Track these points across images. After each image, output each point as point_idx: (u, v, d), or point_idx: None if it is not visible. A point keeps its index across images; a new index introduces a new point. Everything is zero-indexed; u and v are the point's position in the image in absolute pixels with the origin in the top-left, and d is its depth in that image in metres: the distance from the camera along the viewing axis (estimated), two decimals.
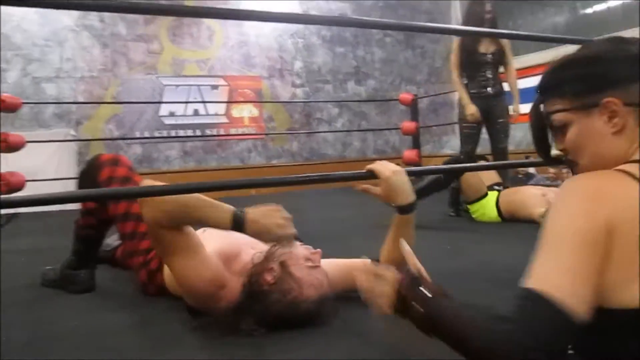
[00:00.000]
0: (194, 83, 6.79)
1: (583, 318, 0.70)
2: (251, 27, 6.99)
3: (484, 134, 3.63)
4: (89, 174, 1.77)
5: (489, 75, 3.52)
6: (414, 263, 0.97)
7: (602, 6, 5.90)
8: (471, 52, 3.47)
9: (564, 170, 6.44)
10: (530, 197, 2.94)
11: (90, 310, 1.58)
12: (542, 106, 0.94)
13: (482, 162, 3.49)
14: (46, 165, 5.16)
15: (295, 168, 6.66)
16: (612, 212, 0.73)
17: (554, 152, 0.99)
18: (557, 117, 0.89)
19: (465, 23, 3.75)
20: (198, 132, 6.76)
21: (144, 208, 1.36)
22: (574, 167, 0.90)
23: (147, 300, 1.65)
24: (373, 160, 1.51)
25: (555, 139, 0.94)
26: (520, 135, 8.78)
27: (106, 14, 6.21)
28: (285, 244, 1.37)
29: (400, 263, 1.00)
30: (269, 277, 1.35)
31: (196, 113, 6.80)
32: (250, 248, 1.49)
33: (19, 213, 4.18)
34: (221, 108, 6.93)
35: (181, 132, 6.72)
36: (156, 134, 6.55)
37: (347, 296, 1.41)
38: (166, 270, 1.62)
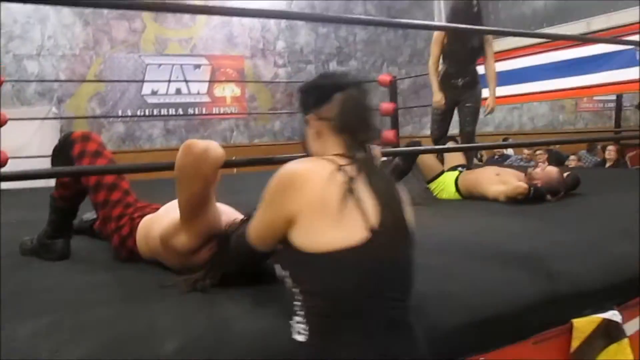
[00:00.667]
0: (177, 62, 6.83)
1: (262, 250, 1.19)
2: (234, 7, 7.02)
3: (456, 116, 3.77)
4: (62, 150, 1.87)
5: (465, 66, 3.60)
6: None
7: None
8: (451, 43, 3.56)
9: (537, 152, 6.64)
10: (484, 177, 3.10)
11: (64, 273, 1.70)
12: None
13: (451, 143, 3.64)
14: (29, 143, 5.23)
15: (277, 147, 6.76)
16: (302, 185, 1.06)
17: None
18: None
19: (450, 18, 3.72)
20: (180, 111, 6.83)
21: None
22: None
23: (120, 264, 1.77)
24: None
25: None
26: (500, 117, 8.97)
27: None
28: None
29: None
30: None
31: (178, 92, 6.85)
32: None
33: None
34: (203, 87, 6.99)
35: (164, 111, 6.78)
36: (139, 113, 6.61)
37: None
38: (138, 234, 1.75)
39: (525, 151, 7.17)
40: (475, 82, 3.66)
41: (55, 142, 1.98)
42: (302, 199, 1.05)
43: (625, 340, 1.57)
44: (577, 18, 5.57)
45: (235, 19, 7.10)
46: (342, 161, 1.10)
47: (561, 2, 6.18)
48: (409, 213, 1.15)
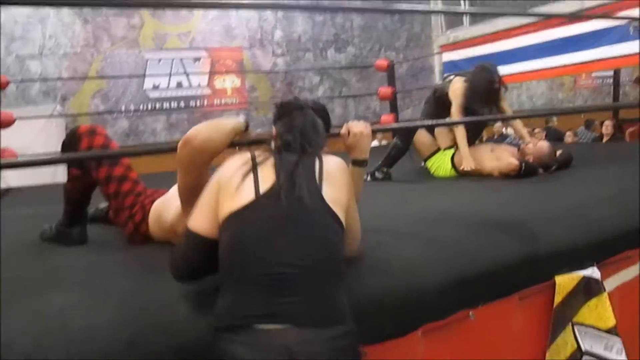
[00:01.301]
0: (176, 56, 6.93)
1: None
2: None
3: None
4: (69, 145, 1.98)
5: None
6: None
7: None
8: (469, 103, 3.19)
9: (536, 131, 6.72)
10: (479, 153, 3.20)
11: (84, 255, 1.83)
12: None
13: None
14: (35, 142, 5.35)
15: None
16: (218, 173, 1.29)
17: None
18: None
19: (472, 87, 3.20)
20: (182, 104, 6.94)
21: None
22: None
23: (135, 246, 1.91)
24: None
25: None
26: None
27: None
28: None
29: None
30: None
31: (179, 85, 6.96)
32: None
33: (11, 188, 4.35)
34: (204, 79, 7.10)
35: (166, 105, 6.90)
36: (141, 108, 6.73)
37: None
38: (151, 218, 1.88)
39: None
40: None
41: (61, 140, 2.08)
42: (220, 183, 1.28)
43: (605, 295, 1.68)
44: None
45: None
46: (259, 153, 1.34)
47: None
48: (333, 191, 1.26)
